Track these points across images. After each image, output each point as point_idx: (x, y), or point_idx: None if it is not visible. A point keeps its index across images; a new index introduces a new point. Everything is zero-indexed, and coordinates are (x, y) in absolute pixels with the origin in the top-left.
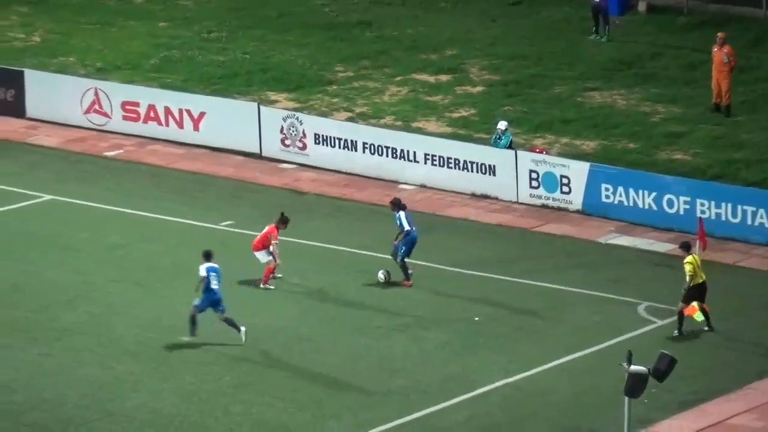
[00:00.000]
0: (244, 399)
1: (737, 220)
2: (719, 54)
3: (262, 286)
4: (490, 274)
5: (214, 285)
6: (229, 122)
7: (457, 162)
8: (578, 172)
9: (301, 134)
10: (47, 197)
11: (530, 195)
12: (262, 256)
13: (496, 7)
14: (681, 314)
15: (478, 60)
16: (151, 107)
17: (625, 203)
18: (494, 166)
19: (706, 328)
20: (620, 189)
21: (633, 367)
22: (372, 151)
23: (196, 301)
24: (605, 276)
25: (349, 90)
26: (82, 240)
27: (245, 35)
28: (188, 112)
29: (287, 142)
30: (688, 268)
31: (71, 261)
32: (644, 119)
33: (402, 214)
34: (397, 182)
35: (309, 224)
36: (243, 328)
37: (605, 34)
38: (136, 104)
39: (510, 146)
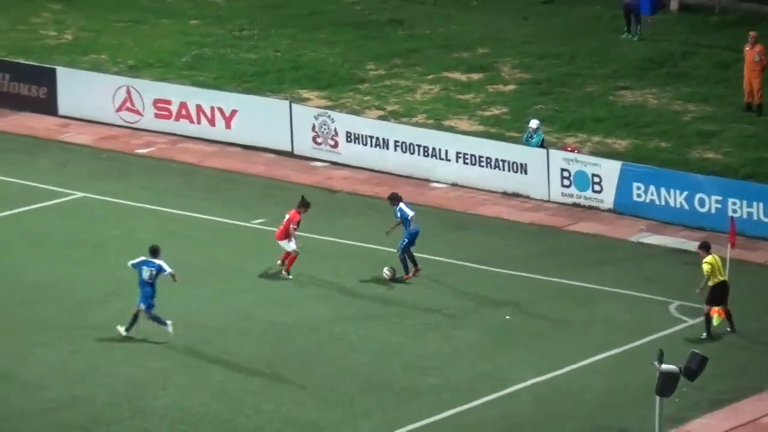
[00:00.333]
0: (275, 397)
1: None
2: (751, 53)
3: (283, 273)
4: (521, 272)
5: (145, 276)
6: (261, 120)
7: (488, 160)
8: (610, 170)
9: (333, 132)
10: (79, 195)
11: (562, 194)
12: (286, 245)
13: (528, 6)
14: (708, 316)
15: (510, 58)
16: (183, 105)
17: (657, 202)
18: (526, 164)
19: (728, 329)
20: (652, 188)
21: (664, 366)
22: (404, 150)
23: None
24: (636, 275)
25: (381, 88)
26: (113, 237)
27: (277, 33)
28: (220, 109)
29: (319, 140)
30: (705, 268)
31: (102, 258)
32: (676, 118)
33: (402, 205)
34: (428, 180)
35: (341, 222)
36: (169, 322)
37: (637, 33)
38: (168, 102)
39: (542, 145)
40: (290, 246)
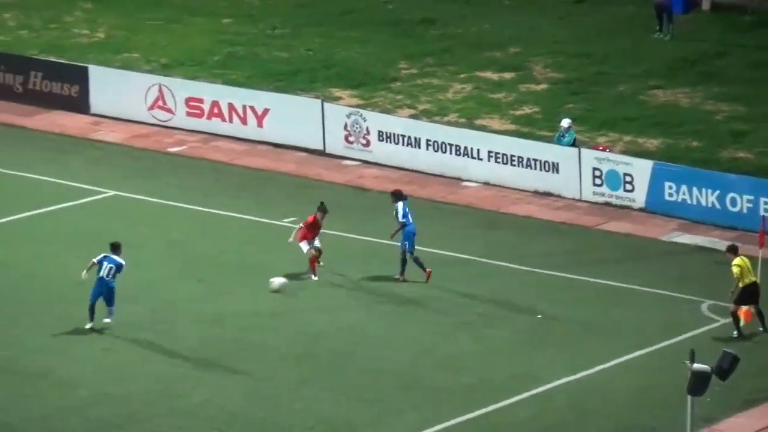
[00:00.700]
0: (308, 395)
1: None
2: None
3: (310, 276)
4: (553, 271)
5: (103, 273)
6: (293, 119)
7: (520, 159)
8: (641, 170)
9: (364, 131)
10: (110, 193)
11: (593, 193)
12: (303, 246)
13: (560, 5)
14: (735, 315)
15: (542, 58)
16: (215, 104)
17: (688, 201)
18: (557, 163)
19: (761, 329)
20: (683, 187)
21: (696, 366)
22: (435, 149)
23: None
24: (668, 274)
25: (413, 87)
26: (144, 236)
27: (309, 32)
28: (252, 108)
29: (351, 138)
30: (735, 270)
31: (133, 256)
32: (708, 118)
33: (400, 204)
34: (460, 179)
35: (373, 222)
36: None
37: (669, 33)
38: (200, 100)
39: (573, 144)
40: (304, 247)
